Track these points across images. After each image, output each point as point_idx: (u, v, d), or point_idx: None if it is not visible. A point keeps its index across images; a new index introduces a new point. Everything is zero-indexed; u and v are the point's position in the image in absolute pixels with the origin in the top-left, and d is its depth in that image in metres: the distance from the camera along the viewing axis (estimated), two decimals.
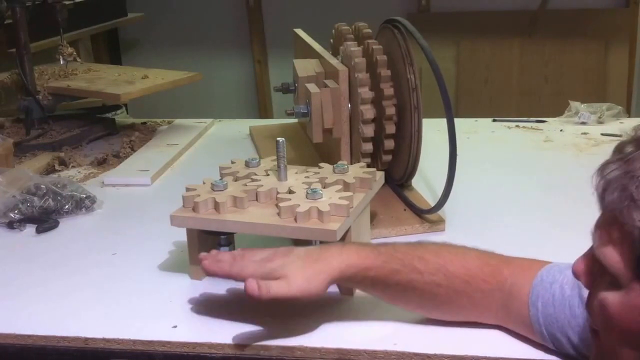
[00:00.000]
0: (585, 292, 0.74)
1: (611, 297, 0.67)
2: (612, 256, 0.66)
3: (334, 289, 1.00)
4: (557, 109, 1.91)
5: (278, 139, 1.09)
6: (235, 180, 1.12)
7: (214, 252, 0.96)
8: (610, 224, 0.66)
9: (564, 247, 0.84)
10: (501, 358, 0.88)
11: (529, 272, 0.88)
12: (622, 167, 0.64)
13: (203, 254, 0.95)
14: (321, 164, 1.16)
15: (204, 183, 1.11)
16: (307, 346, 0.92)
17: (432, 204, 1.24)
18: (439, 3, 3.36)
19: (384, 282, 0.90)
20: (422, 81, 1.27)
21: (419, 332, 0.93)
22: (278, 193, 1.06)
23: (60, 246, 1.25)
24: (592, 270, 0.70)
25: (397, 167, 1.32)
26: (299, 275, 0.87)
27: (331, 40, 1.55)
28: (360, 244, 0.94)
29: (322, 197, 1.02)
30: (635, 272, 0.64)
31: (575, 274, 0.73)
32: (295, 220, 1.00)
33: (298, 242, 1.15)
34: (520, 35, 3.26)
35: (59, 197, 1.36)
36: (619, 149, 0.67)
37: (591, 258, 0.70)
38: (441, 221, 1.24)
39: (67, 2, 1.87)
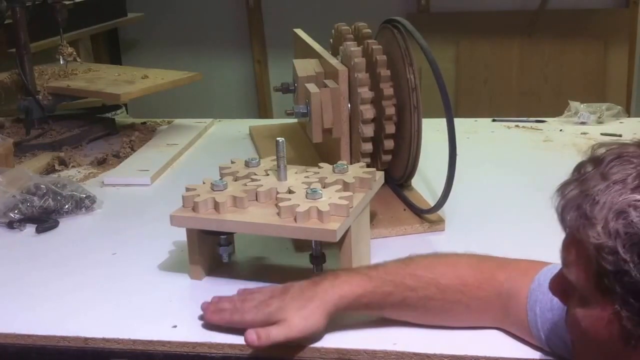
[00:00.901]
0: None
1: (581, 313, 0.70)
2: (575, 274, 0.69)
3: None
4: (556, 109, 1.91)
5: (278, 139, 1.09)
6: (235, 180, 1.12)
7: (215, 299, 0.97)
8: (570, 243, 0.69)
9: None
10: (501, 358, 0.89)
11: (526, 275, 0.88)
12: (578, 186, 0.68)
13: (205, 303, 0.97)
14: (321, 164, 1.16)
15: (203, 183, 1.11)
16: (307, 346, 0.92)
17: (432, 204, 1.24)
18: (439, 3, 3.36)
19: (378, 305, 0.91)
20: (422, 81, 1.27)
21: (419, 332, 0.93)
22: (278, 193, 1.06)
23: (60, 246, 1.25)
24: (565, 288, 0.73)
25: (396, 167, 1.32)
26: (296, 316, 0.89)
27: (331, 40, 1.55)
28: (351, 272, 0.94)
29: (321, 197, 1.02)
30: (597, 287, 0.66)
31: (551, 292, 0.76)
32: (295, 220, 1.00)
33: (298, 242, 1.15)
34: (520, 35, 3.25)
35: (59, 197, 1.36)
36: (577, 169, 0.70)
37: (563, 276, 0.72)
38: (441, 221, 1.24)
39: (67, 2, 1.87)
